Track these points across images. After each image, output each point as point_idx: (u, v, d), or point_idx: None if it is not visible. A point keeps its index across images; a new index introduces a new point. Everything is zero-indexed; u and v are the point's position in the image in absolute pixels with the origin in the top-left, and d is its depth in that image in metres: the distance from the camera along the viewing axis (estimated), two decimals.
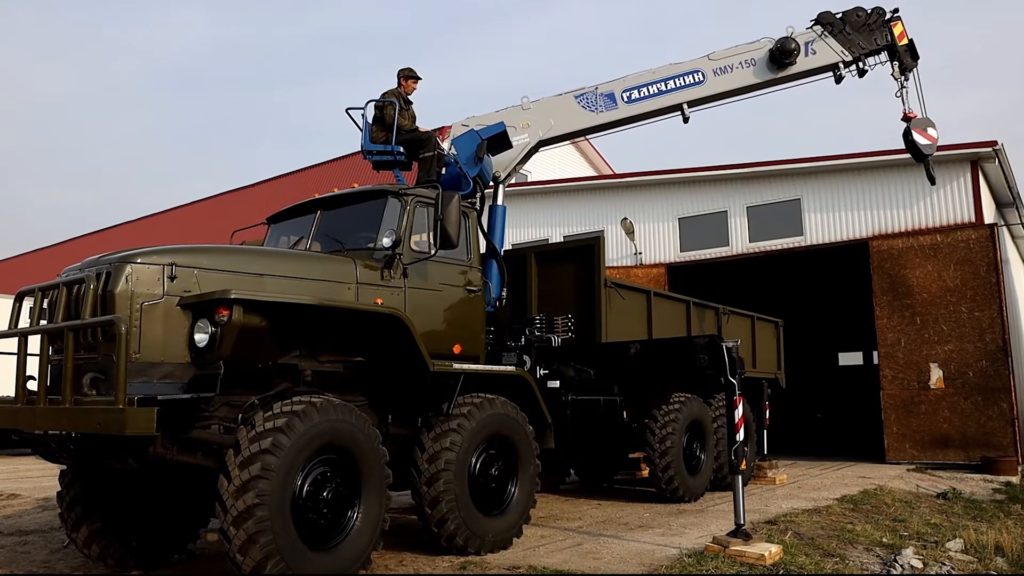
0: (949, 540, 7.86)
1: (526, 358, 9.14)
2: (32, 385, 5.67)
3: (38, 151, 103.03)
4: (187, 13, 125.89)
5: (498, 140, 9.26)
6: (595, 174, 28.24)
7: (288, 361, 6.08)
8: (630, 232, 19.57)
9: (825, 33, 9.84)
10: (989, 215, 16.20)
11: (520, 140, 9.68)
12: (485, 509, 7.05)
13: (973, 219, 15.66)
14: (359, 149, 9.16)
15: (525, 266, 10.41)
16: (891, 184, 16.66)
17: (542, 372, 9.34)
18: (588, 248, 10.44)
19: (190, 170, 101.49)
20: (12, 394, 5.76)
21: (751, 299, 17.01)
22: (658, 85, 9.83)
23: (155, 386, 5.39)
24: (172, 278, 5.65)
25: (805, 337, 22.93)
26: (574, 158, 28.50)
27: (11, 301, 6.42)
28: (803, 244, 17.71)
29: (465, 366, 7.16)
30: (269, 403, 5.49)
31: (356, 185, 8.11)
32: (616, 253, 19.93)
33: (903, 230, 16.42)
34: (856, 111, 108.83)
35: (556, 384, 9.36)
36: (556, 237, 20.74)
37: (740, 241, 18.60)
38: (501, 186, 9.75)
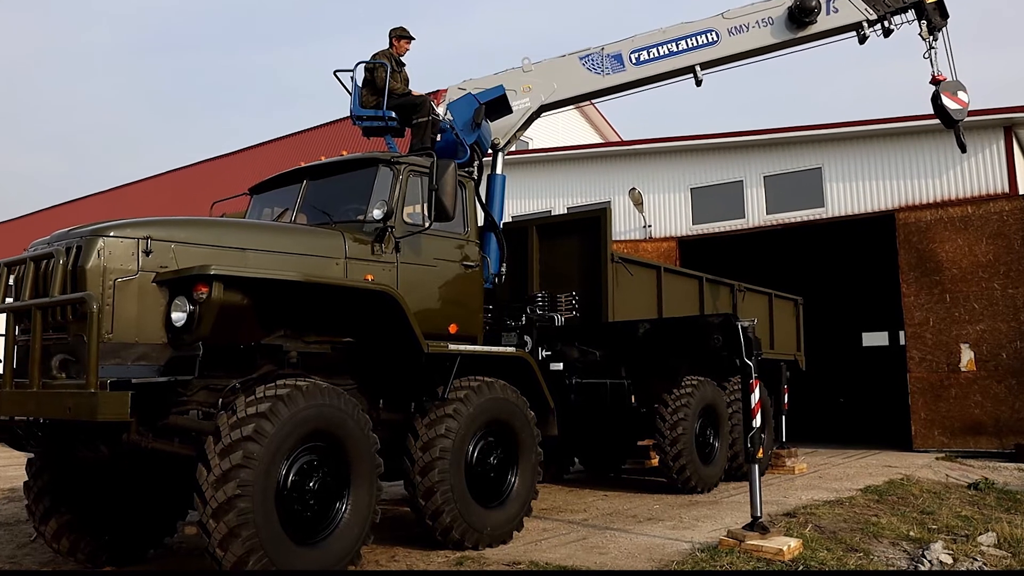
0: (981, 534, 7.88)
1: (527, 339, 9.14)
2: None
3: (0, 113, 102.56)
4: None
5: (497, 105, 9.22)
6: (601, 141, 28.12)
7: (272, 342, 6.07)
8: (639, 203, 19.50)
9: None
10: None
11: (521, 105, 9.64)
12: (483, 501, 7.06)
13: (1007, 189, 15.59)
14: (348, 114, 9.11)
15: (526, 240, 10.39)
16: (919, 152, 16.56)
17: (544, 354, 9.34)
18: (594, 220, 10.41)
19: (167, 136, 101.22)
20: None
21: (769, 275, 16.98)
22: (669, 46, 9.77)
23: (129, 368, 5.38)
24: (147, 253, 5.62)
25: (826, 316, 22.95)
26: (579, 124, 28.37)
27: None
28: (824, 216, 17.65)
29: (462, 347, 7.15)
30: (251, 387, 5.50)
31: (345, 153, 8.07)
32: (624, 226, 19.89)
33: (932, 201, 16.34)
34: (881, 74, 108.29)
35: (559, 366, 9.36)
36: (559, 209, 20.71)
37: (757, 213, 18.53)
38: (500, 154, 9.70)
